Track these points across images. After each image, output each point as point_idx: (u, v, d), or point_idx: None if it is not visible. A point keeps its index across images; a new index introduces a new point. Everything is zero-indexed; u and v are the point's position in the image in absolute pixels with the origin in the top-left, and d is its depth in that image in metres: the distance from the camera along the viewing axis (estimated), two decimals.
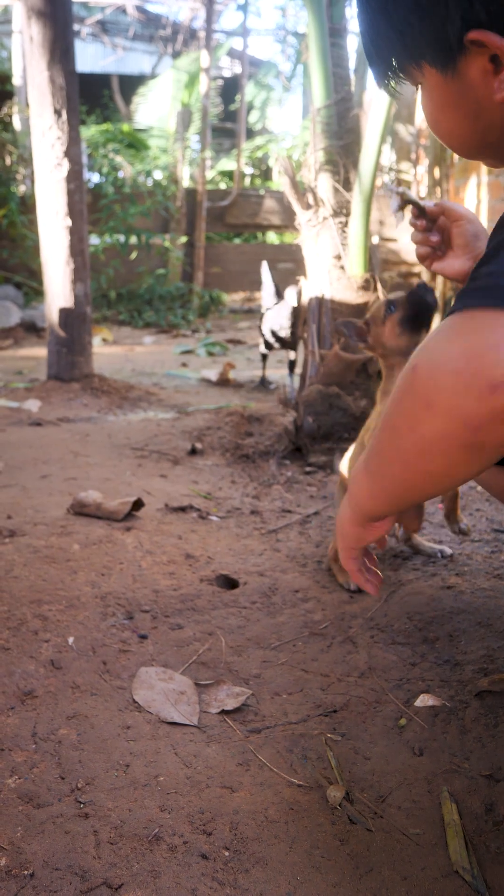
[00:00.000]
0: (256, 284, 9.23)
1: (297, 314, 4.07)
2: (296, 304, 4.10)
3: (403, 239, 8.62)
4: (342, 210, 2.63)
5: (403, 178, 9.38)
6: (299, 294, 3.99)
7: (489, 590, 1.75)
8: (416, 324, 1.67)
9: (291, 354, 4.23)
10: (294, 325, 4.10)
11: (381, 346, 1.74)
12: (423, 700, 1.34)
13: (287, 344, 4.22)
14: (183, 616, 1.63)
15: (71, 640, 1.50)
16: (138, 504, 2.18)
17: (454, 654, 1.49)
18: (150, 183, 8.41)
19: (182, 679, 1.39)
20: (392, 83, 1.01)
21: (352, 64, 2.80)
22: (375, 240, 8.13)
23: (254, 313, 8.96)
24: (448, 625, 1.58)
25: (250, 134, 12.42)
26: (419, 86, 0.98)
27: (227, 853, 1.00)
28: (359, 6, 0.98)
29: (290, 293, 4.09)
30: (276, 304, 4.24)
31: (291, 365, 4.22)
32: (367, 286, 2.67)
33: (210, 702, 1.34)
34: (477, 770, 1.17)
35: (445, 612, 1.63)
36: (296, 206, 2.65)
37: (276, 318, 4.14)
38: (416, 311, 1.67)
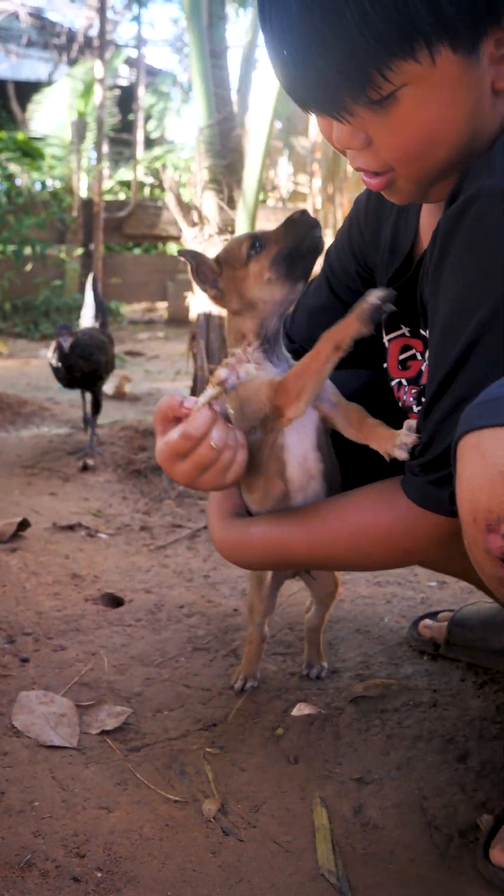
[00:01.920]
0: (157, 295, 9.25)
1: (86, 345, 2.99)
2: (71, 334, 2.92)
3: None
4: (227, 227, 2.68)
5: (300, 190, 9.56)
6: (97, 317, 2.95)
7: (368, 597, 1.82)
8: (297, 266, 1.16)
9: (87, 396, 3.15)
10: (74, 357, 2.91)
11: (238, 295, 1.19)
12: (300, 709, 1.38)
13: (67, 377, 2.99)
14: (66, 637, 1.63)
15: None
16: (24, 524, 2.15)
17: (332, 661, 1.54)
18: (45, 191, 8.25)
19: (63, 701, 1.39)
20: (365, 97, 0.87)
21: (234, 84, 2.86)
22: None
23: (154, 324, 8.94)
24: (327, 633, 1.63)
25: (149, 143, 12.40)
26: (400, 89, 0.86)
27: (99, 874, 1.01)
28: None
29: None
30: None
31: (86, 414, 3.17)
32: None
33: (91, 722, 1.34)
34: (348, 774, 1.22)
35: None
36: (181, 224, 2.68)
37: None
38: (298, 246, 1.14)
